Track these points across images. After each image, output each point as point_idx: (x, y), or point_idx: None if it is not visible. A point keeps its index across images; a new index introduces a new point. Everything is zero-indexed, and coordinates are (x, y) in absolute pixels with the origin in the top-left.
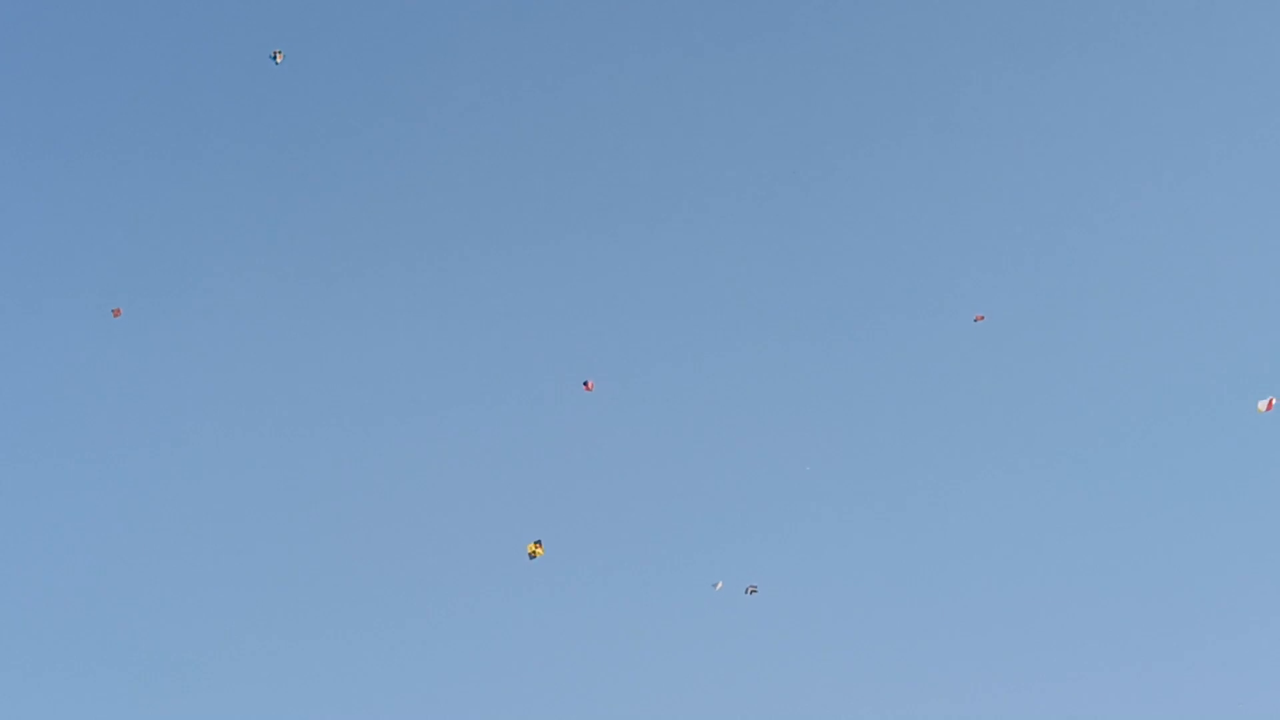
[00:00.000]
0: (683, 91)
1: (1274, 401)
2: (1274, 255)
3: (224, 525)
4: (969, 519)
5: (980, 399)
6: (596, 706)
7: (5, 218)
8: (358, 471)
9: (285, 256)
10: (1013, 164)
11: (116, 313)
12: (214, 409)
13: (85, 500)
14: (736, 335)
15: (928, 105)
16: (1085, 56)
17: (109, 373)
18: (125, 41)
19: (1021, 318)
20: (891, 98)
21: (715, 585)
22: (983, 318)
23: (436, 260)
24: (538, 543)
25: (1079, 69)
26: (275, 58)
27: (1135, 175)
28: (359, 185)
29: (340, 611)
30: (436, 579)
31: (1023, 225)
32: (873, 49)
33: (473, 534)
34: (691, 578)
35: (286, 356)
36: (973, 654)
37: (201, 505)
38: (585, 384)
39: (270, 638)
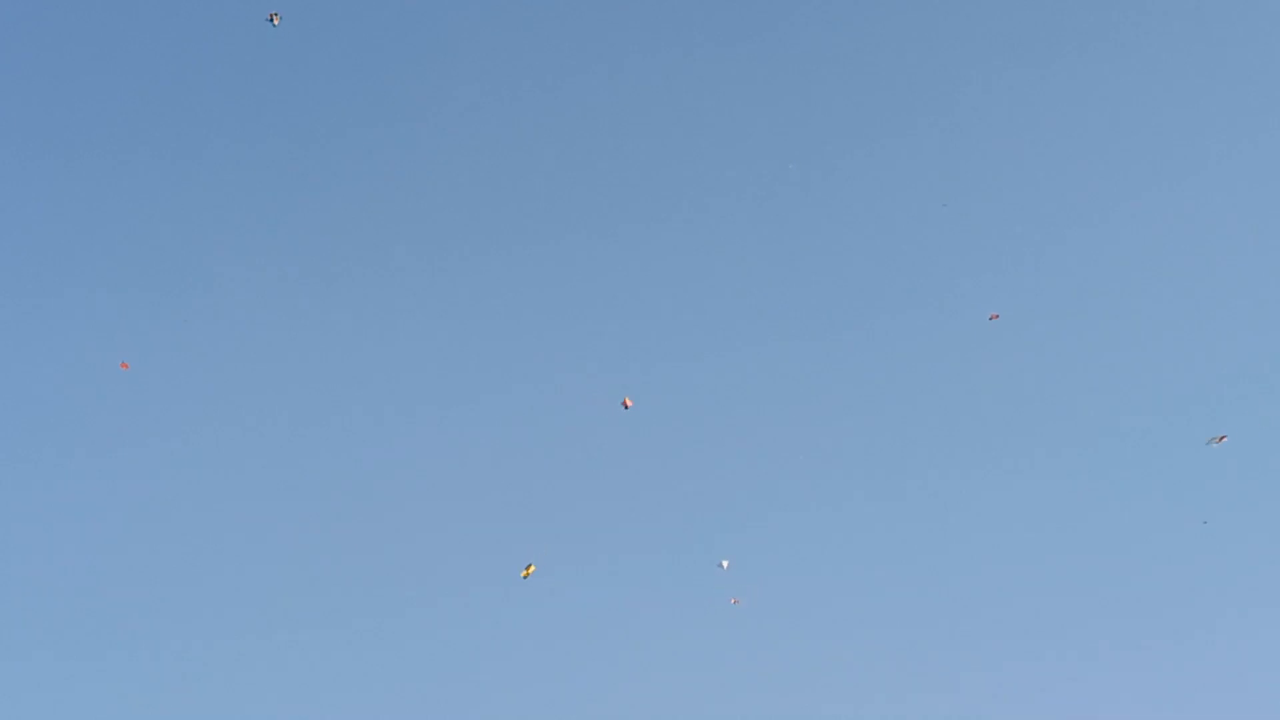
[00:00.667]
0: (683, 91)
1: (1225, 438)
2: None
3: (225, 524)
4: (970, 518)
5: (979, 398)
6: (595, 705)
7: (8, 217)
8: (357, 471)
9: (286, 256)
10: (1015, 163)
11: (124, 365)
12: (216, 408)
13: (88, 499)
14: (736, 335)
15: (931, 104)
16: (1093, 54)
17: (112, 371)
18: (127, 42)
19: (1023, 316)
20: (895, 97)
21: (721, 564)
22: (997, 316)
23: (437, 260)
24: (530, 565)
25: (1085, 67)
26: (272, 20)
27: (1139, 175)
28: (360, 185)
29: (343, 610)
30: (437, 577)
31: (1024, 224)
32: (878, 48)
33: (473, 532)
34: (690, 575)
35: (287, 356)
36: (973, 652)
37: (204, 504)
38: (624, 401)
39: (273, 636)
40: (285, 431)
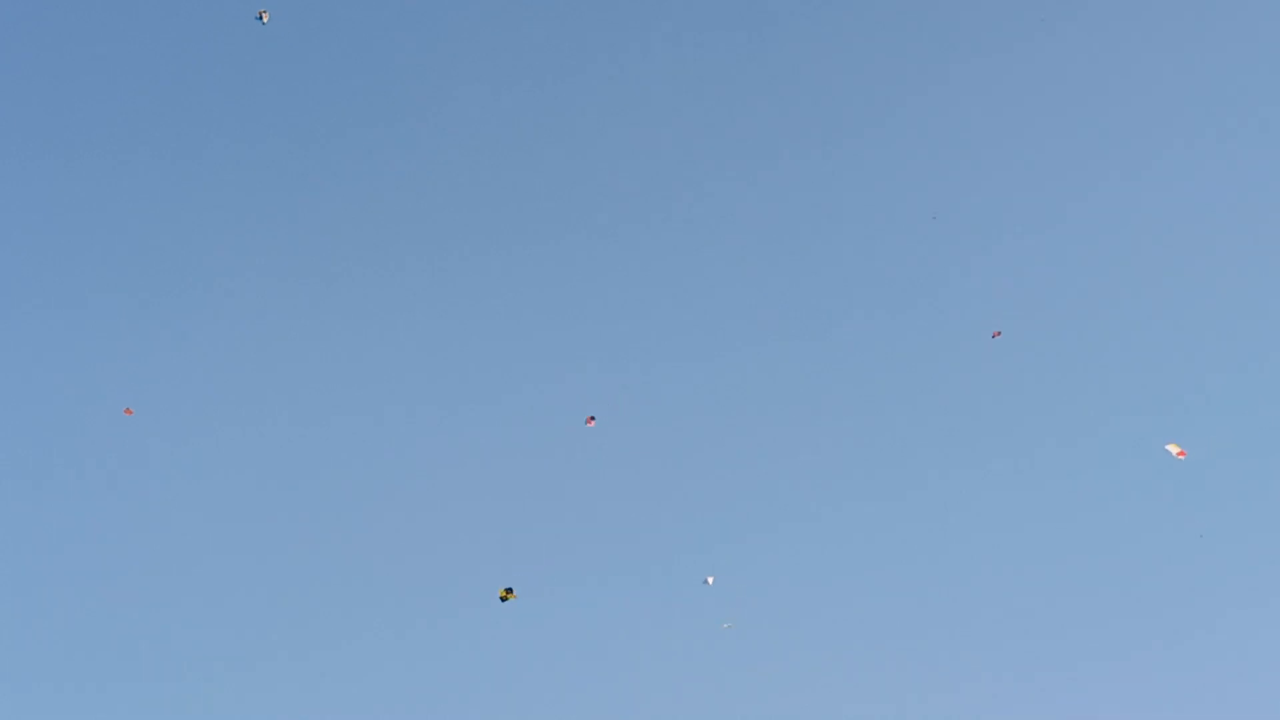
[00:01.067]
0: (682, 91)
1: (1184, 452)
2: (1274, 255)
3: (224, 526)
4: (963, 519)
5: (978, 403)
6: (593, 707)
7: (8, 218)
8: (355, 472)
9: (286, 256)
10: (1017, 170)
11: (128, 412)
12: (216, 409)
13: (87, 500)
14: (734, 336)
15: (941, 108)
16: (1093, 60)
17: (112, 372)
18: (127, 43)
19: (1023, 322)
20: (905, 100)
21: (707, 580)
22: (999, 334)
23: (437, 260)
24: (509, 589)
25: (1085, 69)
26: (261, 17)
27: (1142, 180)
28: (359, 185)
29: (342, 611)
30: (432, 580)
31: (1024, 231)
32: (880, 48)
33: (470, 533)
34: (690, 576)
35: (286, 357)
36: (970, 652)
37: (203, 506)
38: (588, 419)
39: (271, 638)
40: (283, 431)
